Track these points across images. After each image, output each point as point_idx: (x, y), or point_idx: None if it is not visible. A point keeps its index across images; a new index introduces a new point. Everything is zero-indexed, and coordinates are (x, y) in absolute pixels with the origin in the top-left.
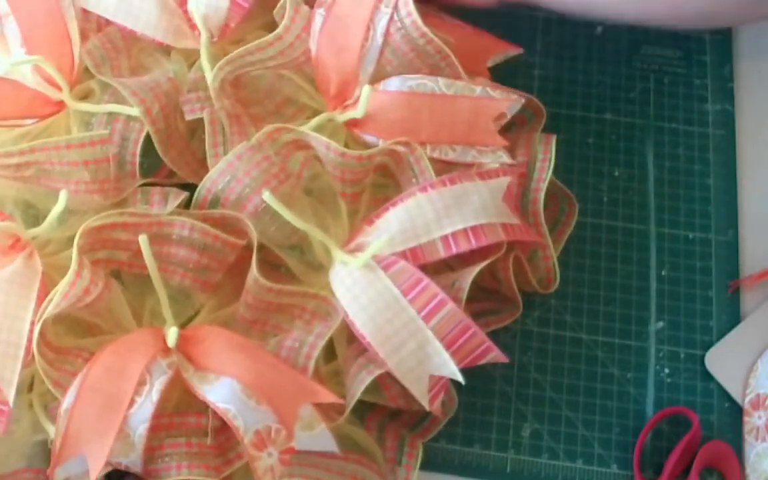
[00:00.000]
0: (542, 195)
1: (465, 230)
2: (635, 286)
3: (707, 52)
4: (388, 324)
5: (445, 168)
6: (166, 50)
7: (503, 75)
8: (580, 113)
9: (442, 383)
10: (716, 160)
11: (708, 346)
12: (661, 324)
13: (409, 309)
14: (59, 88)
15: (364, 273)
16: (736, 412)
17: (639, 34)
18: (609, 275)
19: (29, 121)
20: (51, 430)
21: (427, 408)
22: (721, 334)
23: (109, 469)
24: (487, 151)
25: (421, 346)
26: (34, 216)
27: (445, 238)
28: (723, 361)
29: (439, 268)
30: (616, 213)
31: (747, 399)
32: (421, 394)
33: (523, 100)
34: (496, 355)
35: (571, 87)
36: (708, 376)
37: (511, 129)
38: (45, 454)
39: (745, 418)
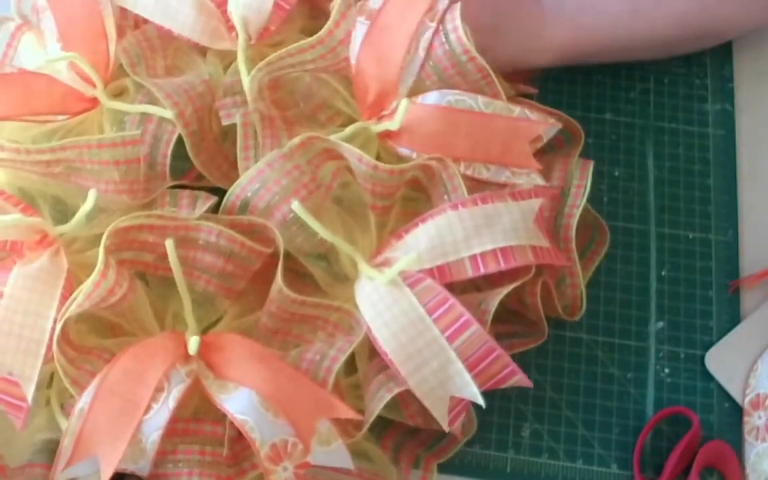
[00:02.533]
0: (575, 221)
1: (494, 251)
2: (635, 286)
3: (707, 53)
4: (411, 343)
5: (477, 186)
6: (202, 51)
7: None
8: (580, 113)
9: (463, 404)
10: (716, 160)
11: (708, 346)
12: (661, 324)
13: (433, 328)
14: (93, 85)
15: (390, 289)
16: (736, 412)
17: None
18: (609, 275)
19: (62, 117)
20: (65, 425)
21: (446, 429)
22: (721, 334)
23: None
24: (521, 172)
25: (444, 367)
26: (62, 212)
27: (473, 258)
28: (723, 361)
29: (465, 288)
30: (616, 213)
31: (747, 399)
32: (441, 414)
33: (560, 125)
34: (519, 378)
35: (570, 87)
36: (708, 376)
37: (549, 151)
38: (55, 450)
39: (745, 418)
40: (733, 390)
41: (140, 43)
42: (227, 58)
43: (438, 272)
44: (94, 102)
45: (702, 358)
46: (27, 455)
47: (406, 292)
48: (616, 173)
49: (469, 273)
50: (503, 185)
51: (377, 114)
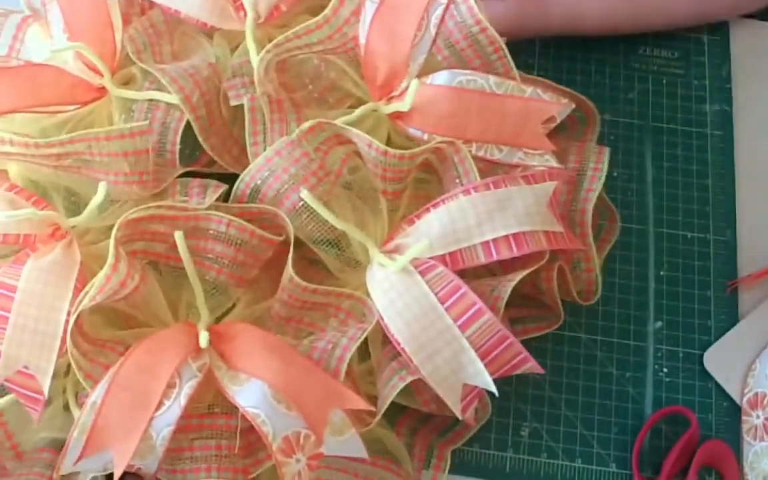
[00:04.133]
0: (591, 206)
1: (507, 237)
2: (634, 286)
3: (705, 53)
4: (424, 331)
5: (489, 167)
6: (209, 33)
7: None
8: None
9: (476, 392)
10: (714, 161)
11: (706, 345)
12: (659, 324)
13: (445, 317)
14: (101, 75)
15: (402, 277)
16: (734, 411)
17: (637, 35)
18: (608, 275)
19: (71, 108)
20: (78, 415)
21: (460, 416)
22: (720, 334)
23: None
24: (534, 153)
25: (456, 356)
26: (75, 203)
27: (486, 244)
28: (721, 360)
29: (478, 273)
30: None
31: (745, 398)
32: (454, 402)
33: (572, 105)
34: (531, 366)
35: (570, 87)
36: (706, 376)
37: (562, 131)
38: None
39: (744, 418)
40: (732, 389)
41: (146, 29)
42: (234, 41)
43: (450, 259)
44: (102, 91)
45: (700, 357)
46: (40, 442)
47: (417, 280)
48: (615, 174)
49: (482, 259)
50: (516, 166)
51: (387, 94)
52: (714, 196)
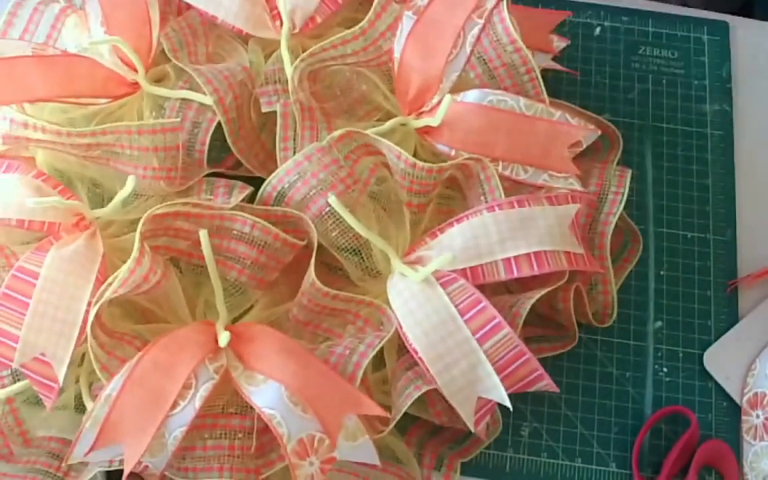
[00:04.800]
0: (610, 229)
1: (528, 255)
2: (634, 286)
3: (705, 53)
4: (442, 342)
5: (514, 186)
6: (243, 39)
7: None
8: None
9: (489, 406)
10: (714, 161)
11: (706, 345)
12: (659, 323)
13: (464, 329)
14: (135, 70)
15: (423, 287)
16: (734, 411)
17: (637, 35)
18: None
19: (102, 101)
20: (90, 406)
21: (472, 429)
22: (720, 334)
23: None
24: (559, 176)
25: (473, 368)
26: (99, 195)
27: (507, 261)
28: (721, 360)
29: (497, 289)
30: None
31: (745, 398)
32: (467, 414)
33: (599, 132)
34: (547, 383)
35: (569, 87)
36: (706, 376)
37: (586, 154)
38: (76, 427)
39: (743, 417)
40: (731, 389)
41: (183, 29)
42: (268, 47)
43: (471, 273)
44: (135, 86)
45: (700, 357)
46: (49, 428)
47: (438, 292)
48: None
49: (502, 276)
50: (540, 187)
51: (417, 109)
52: (714, 196)
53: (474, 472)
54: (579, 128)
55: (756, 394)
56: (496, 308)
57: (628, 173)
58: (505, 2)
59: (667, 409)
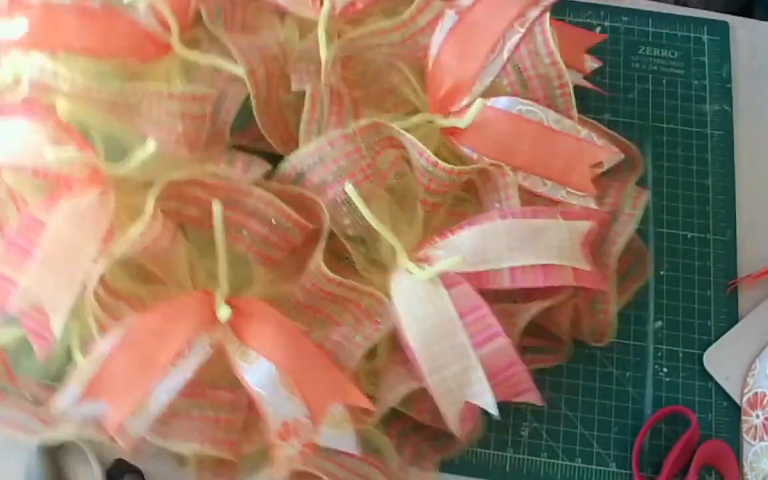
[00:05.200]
0: (619, 249)
1: (535, 267)
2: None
3: (705, 53)
4: (438, 343)
5: (530, 198)
6: (281, 15)
7: None
8: (579, 113)
9: (474, 411)
10: (714, 161)
11: (706, 345)
12: (659, 323)
13: (462, 332)
14: (169, 30)
15: (427, 286)
16: (734, 411)
17: (637, 35)
18: None
19: (133, 59)
20: (80, 361)
21: (455, 433)
22: (719, 334)
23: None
24: (577, 194)
25: (465, 372)
26: (117, 150)
27: (513, 270)
28: (721, 360)
29: (499, 295)
30: None
31: (745, 398)
32: (452, 417)
33: (622, 156)
34: (534, 396)
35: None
36: (706, 376)
37: (605, 173)
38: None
39: (743, 417)
40: (731, 389)
41: None
42: (305, 27)
43: (476, 277)
44: (167, 48)
45: (700, 357)
46: (36, 372)
47: (441, 293)
48: None
49: (507, 284)
50: (557, 203)
51: (446, 109)
52: (714, 196)
53: (474, 471)
54: (603, 149)
55: (756, 394)
56: (496, 316)
57: (645, 194)
58: (548, 15)
59: (667, 409)
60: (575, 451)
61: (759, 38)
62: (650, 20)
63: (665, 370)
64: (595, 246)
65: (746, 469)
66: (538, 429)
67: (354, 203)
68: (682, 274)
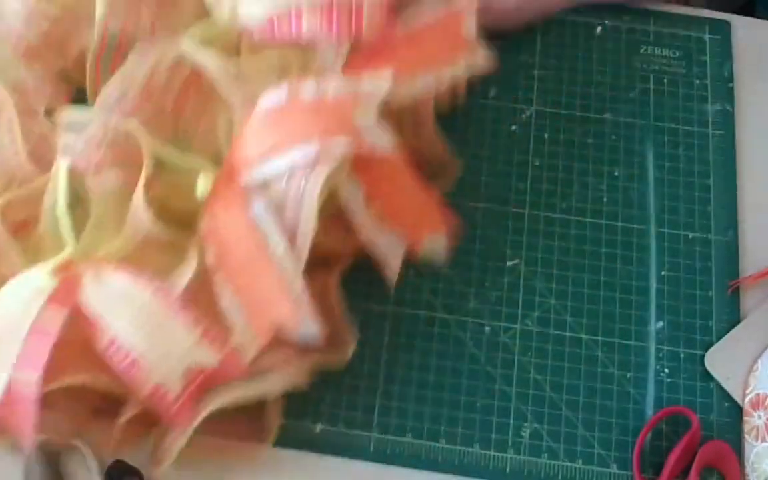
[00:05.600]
0: None
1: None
2: (635, 286)
3: (707, 52)
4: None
5: None
6: None
7: (504, 76)
8: (580, 113)
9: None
10: (716, 161)
11: (708, 346)
12: (660, 324)
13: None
14: None
15: None
16: (735, 412)
17: (639, 35)
18: (608, 275)
19: None
20: None
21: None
22: (721, 334)
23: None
24: None
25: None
26: None
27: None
28: (723, 361)
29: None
30: (616, 213)
31: (747, 399)
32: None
33: None
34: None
35: (571, 87)
36: (708, 376)
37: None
38: None
39: (745, 418)
40: (733, 390)
41: None
42: None
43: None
44: None
45: (702, 358)
46: None
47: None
48: (616, 173)
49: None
50: None
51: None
52: (716, 196)
53: (474, 472)
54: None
55: (758, 395)
56: None
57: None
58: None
59: (668, 410)
60: (576, 452)
61: (761, 37)
62: (651, 19)
63: (666, 370)
64: None
65: (748, 469)
66: (538, 430)
67: None
68: (683, 274)
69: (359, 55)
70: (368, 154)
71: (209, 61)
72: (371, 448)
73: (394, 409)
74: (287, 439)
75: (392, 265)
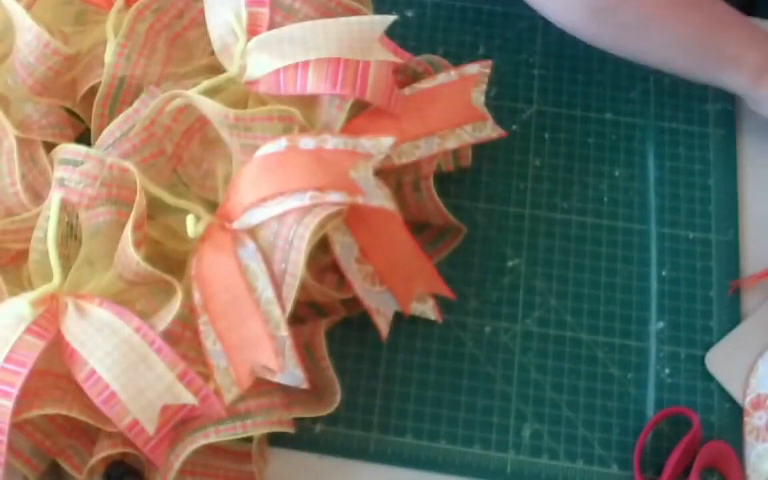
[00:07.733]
0: None
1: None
2: (635, 286)
3: None
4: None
5: None
6: None
7: (504, 76)
8: (580, 113)
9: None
10: (716, 160)
11: (708, 346)
12: (661, 324)
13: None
14: None
15: None
16: (736, 412)
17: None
18: (609, 275)
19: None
20: None
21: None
22: (722, 335)
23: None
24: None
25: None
26: None
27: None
28: (723, 361)
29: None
30: (616, 213)
31: (747, 399)
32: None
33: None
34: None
35: (571, 87)
36: (708, 377)
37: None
38: None
39: (746, 419)
40: (734, 390)
41: None
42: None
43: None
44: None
45: (702, 358)
46: None
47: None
48: (617, 173)
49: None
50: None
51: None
52: (716, 195)
53: (475, 473)
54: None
55: (759, 395)
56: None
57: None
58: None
59: (669, 411)
60: (577, 453)
61: None
62: None
63: (667, 371)
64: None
65: (749, 470)
66: (539, 430)
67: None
68: (684, 274)
69: (363, 115)
70: (364, 210)
71: (211, 109)
72: (371, 448)
73: (394, 409)
74: (287, 439)
75: (382, 323)
